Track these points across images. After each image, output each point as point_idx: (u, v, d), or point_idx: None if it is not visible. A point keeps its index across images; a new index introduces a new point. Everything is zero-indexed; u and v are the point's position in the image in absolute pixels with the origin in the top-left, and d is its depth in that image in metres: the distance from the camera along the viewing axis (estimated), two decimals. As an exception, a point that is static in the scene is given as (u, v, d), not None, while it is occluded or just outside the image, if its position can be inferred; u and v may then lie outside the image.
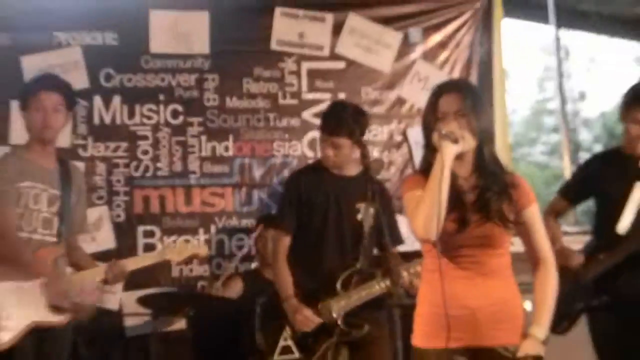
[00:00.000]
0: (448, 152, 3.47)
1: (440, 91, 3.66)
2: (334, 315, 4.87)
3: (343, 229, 5.02)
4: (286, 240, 4.99)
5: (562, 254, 4.75)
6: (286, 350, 4.93)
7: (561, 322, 4.91)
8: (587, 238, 5.40)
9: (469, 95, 3.61)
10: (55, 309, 4.74)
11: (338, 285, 4.90)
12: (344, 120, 4.92)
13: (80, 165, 6.16)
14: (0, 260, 4.67)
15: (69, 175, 4.97)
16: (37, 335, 4.70)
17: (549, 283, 3.73)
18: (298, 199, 5.00)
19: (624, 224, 4.63)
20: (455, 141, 3.48)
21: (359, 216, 4.84)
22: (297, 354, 4.89)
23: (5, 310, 4.54)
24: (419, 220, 3.55)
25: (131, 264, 5.05)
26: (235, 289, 5.82)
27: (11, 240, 4.71)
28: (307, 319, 4.85)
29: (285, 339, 4.96)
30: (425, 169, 3.69)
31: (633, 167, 4.72)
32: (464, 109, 3.57)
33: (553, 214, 5.14)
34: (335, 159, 4.87)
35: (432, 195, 3.50)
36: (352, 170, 5.03)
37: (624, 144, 4.80)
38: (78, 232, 5.08)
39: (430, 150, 3.63)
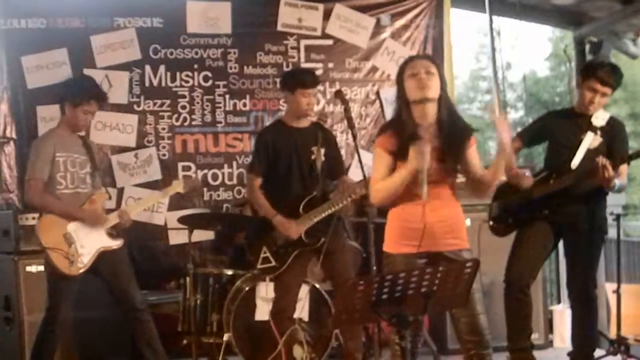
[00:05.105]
0: (417, 164, 3.58)
1: (413, 57, 3.76)
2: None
3: (302, 168, 5.13)
4: (258, 181, 5.14)
5: (516, 176, 4.84)
6: (265, 260, 5.05)
7: (507, 229, 5.14)
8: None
9: (435, 60, 3.71)
10: (112, 235, 5.09)
11: (301, 209, 5.06)
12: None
13: (135, 117, 6.53)
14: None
15: (88, 145, 5.18)
16: (103, 256, 5.01)
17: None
18: (266, 150, 5.13)
19: (575, 162, 4.71)
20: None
21: (313, 157, 5.02)
22: (273, 263, 5.03)
23: (80, 241, 4.62)
24: (378, 198, 3.79)
25: (132, 209, 5.32)
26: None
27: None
28: (294, 229, 4.99)
29: (265, 252, 5.05)
30: (395, 119, 3.82)
31: (586, 121, 4.90)
32: (432, 67, 3.68)
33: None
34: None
35: (394, 187, 3.69)
36: (305, 123, 5.19)
37: (578, 105, 4.88)
38: (101, 184, 5.27)
39: (402, 101, 3.74)
